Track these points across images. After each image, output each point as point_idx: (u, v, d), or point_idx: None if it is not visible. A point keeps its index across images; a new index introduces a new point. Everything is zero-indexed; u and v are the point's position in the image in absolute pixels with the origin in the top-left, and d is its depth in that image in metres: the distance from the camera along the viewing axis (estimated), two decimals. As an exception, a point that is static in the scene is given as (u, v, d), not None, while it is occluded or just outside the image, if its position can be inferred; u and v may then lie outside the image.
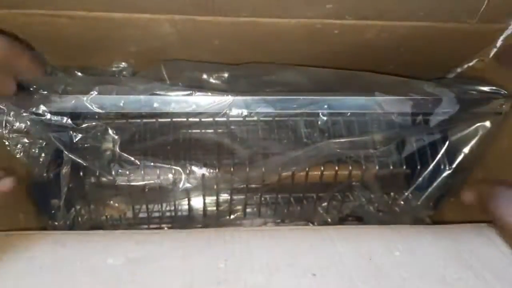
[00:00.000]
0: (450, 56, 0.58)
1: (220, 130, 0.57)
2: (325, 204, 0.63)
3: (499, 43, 0.54)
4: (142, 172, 0.55)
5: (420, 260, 0.40)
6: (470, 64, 0.59)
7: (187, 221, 0.62)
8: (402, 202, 0.62)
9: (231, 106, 0.50)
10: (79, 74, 0.54)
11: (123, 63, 0.55)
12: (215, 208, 0.62)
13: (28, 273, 0.38)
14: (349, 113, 0.53)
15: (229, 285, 0.36)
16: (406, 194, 0.60)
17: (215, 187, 0.59)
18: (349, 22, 0.47)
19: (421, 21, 0.48)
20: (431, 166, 0.57)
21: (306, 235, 0.43)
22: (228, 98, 0.50)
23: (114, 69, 0.56)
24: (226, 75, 0.53)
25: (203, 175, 0.54)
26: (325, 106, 0.52)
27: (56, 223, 0.56)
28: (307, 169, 0.56)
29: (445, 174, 0.57)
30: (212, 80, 0.52)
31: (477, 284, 0.37)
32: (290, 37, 0.49)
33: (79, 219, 0.59)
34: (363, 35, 0.50)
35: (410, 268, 0.39)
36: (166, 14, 0.44)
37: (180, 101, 0.50)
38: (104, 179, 0.55)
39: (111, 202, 0.55)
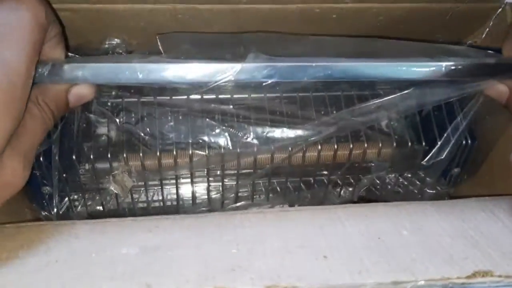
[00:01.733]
0: (446, 39, 0.58)
1: (223, 106, 0.54)
2: (337, 189, 0.61)
3: (491, 23, 0.54)
4: (141, 154, 0.53)
5: (428, 239, 0.41)
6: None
7: (190, 210, 0.60)
8: (419, 182, 0.60)
9: (237, 75, 0.44)
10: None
11: (117, 39, 0.52)
12: (219, 195, 0.60)
13: (45, 266, 0.38)
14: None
15: (243, 271, 0.37)
16: (423, 172, 0.59)
17: (218, 172, 0.58)
18: (347, 6, 0.48)
19: (416, 2, 0.49)
20: (451, 141, 0.54)
21: (315, 216, 0.44)
22: (235, 66, 0.44)
23: (107, 46, 0.52)
24: (229, 43, 0.49)
25: (207, 156, 0.52)
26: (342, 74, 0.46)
27: (47, 214, 0.54)
28: (319, 147, 0.54)
29: (465, 149, 0.55)
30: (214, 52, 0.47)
31: (484, 263, 0.38)
32: (290, 24, 0.50)
33: (74, 209, 0.57)
34: (361, 19, 0.50)
35: (418, 247, 0.40)
36: (167, 3, 0.44)
37: (179, 72, 0.44)
38: (99, 165, 0.53)
39: (115, 176, 0.52)
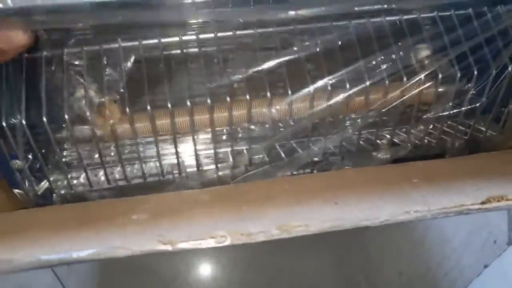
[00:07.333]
0: None
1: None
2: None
3: None
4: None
5: (439, 182, 0.41)
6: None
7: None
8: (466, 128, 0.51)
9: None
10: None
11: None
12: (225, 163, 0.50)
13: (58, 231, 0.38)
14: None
15: (254, 220, 0.37)
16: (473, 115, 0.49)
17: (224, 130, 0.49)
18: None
19: None
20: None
21: (326, 176, 0.44)
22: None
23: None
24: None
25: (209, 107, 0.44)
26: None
27: (22, 192, 0.46)
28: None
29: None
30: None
31: (497, 190, 0.37)
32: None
33: (54, 189, 0.47)
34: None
35: (429, 187, 0.39)
36: None
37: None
38: (80, 133, 0.45)
39: (100, 105, 0.44)
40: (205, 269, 0.91)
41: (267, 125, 0.47)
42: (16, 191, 0.47)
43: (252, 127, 0.47)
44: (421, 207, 0.36)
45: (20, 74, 0.43)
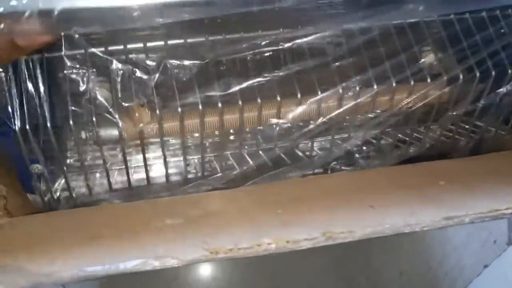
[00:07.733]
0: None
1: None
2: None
3: None
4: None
5: (467, 186, 0.42)
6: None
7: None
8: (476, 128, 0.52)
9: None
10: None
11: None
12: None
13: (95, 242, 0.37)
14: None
15: (294, 226, 0.37)
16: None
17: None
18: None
19: None
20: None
21: (350, 177, 0.44)
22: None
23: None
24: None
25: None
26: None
27: (39, 196, 0.45)
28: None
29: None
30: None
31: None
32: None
33: (71, 193, 0.46)
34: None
35: (459, 193, 0.41)
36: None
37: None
38: (103, 133, 0.44)
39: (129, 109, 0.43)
40: (205, 269, 0.91)
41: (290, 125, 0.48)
42: (29, 195, 0.46)
43: (282, 121, 0.46)
44: (458, 213, 0.37)
45: (41, 75, 0.41)
